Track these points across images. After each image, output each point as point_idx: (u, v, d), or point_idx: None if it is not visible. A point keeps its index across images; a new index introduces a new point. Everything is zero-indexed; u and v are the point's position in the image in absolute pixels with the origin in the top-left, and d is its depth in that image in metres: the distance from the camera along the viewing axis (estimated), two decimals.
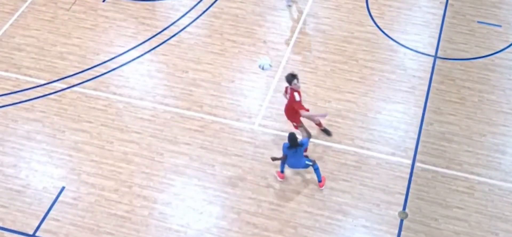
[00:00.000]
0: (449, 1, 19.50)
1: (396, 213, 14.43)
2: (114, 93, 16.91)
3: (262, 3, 19.45)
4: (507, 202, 14.63)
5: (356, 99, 16.70)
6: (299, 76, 14.76)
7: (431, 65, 17.60)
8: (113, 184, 14.98)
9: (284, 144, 14.27)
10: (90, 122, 16.24)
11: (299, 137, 15.04)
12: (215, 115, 16.38)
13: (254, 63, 17.54)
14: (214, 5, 19.40)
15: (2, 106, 16.63)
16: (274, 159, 14.45)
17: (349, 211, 14.46)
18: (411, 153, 15.52)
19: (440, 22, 18.83)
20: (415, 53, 17.95)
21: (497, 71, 17.45)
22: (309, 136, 15.19)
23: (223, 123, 16.22)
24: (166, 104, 16.64)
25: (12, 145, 15.79)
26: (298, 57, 17.86)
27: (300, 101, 14.63)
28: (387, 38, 18.34)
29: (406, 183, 14.95)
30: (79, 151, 15.63)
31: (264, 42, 18.22)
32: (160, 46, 18.17)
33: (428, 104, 16.60)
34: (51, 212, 14.47)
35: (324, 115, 15.31)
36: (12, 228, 14.25)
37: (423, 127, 16.09)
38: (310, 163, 14.46)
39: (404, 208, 14.52)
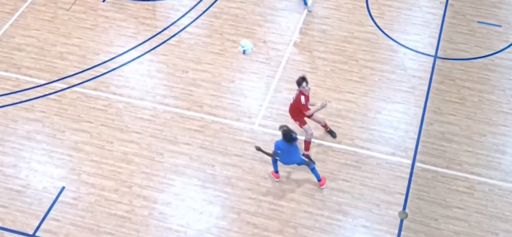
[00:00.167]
0: (449, 1, 19.49)
1: (396, 213, 14.42)
2: (114, 93, 16.91)
3: (262, 3, 19.44)
4: (507, 202, 14.62)
5: (356, 99, 16.69)
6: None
7: (431, 65, 17.60)
8: (113, 184, 14.98)
9: (275, 142, 14.19)
10: (90, 122, 16.24)
11: (302, 137, 15.08)
12: (215, 115, 16.37)
13: (254, 63, 17.55)
14: (214, 5, 19.40)
15: (2, 106, 16.62)
16: (258, 148, 14.30)
17: (349, 211, 14.46)
18: (411, 153, 15.52)
19: (440, 22, 18.83)
20: (415, 53, 17.94)
21: (497, 71, 17.44)
22: (311, 135, 15.19)
23: (223, 123, 16.21)
24: (166, 104, 16.64)
25: (12, 145, 15.78)
26: (298, 57, 17.85)
27: (305, 105, 14.64)
28: (387, 38, 18.34)
29: (406, 183, 14.94)
30: (79, 151, 15.62)
31: (264, 42, 18.22)
32: (160, 46, 18.16)
33: (428, 104, 16.59)
34: (51, 212, 14.47)
35: (324, 106, 15.18)
36: (12, 228, 14.24)
37: (423, 127, 16.08)
38: (306, 160, 14.43)
39: (404, 208, 14.51)
